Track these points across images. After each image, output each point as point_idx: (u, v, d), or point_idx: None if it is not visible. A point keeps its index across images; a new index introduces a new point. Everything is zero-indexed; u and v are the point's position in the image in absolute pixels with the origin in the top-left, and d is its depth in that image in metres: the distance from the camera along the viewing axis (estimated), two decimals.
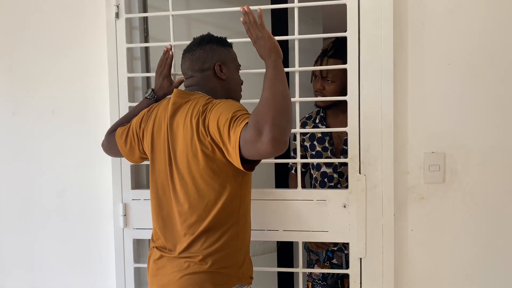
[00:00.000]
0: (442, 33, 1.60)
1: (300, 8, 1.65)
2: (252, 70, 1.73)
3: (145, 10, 1.89)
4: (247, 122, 1.14)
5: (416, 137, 1.63)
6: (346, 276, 2.02)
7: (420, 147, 1.63)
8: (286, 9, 2.19)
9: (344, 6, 1.61)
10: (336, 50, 1.93)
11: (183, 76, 1.49)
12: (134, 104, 1.80)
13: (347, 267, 1.96)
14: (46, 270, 2.01)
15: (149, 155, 1.44)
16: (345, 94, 1.94)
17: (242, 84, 1.52)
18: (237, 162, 1.19)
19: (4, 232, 2.04)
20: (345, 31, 1.63)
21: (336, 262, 2.05)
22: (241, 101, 1.76)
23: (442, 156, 1.63)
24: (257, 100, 1.76)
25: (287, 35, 2.21)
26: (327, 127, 2.02)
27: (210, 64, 1.40)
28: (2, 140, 2.01)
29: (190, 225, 1.32)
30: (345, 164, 1.95)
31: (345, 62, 1.87)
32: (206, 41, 1.42)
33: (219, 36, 1.47)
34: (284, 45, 2.26)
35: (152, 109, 1.49)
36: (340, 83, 1.92)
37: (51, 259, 2.00)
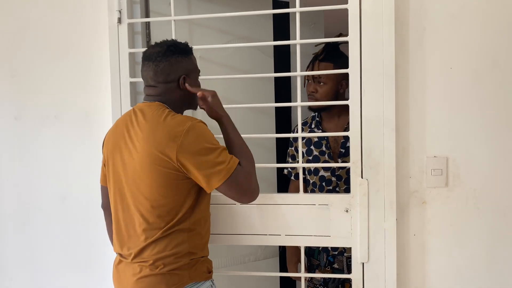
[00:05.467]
0: (444, 37, 1.60)
1: (301, 13, 1.65)
2: (253, 75, 1.74)
3: (147, 15, 1.90)
4: (238, 165, 1.38)
5: (418, 141, 1.63)
6: (347, 280, 2.02)
7: (422, 151, 1.63)
8: (287, 13, 2.20)
9: (345, 11, 1.61)
10: (327, 53, 1.97)
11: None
12: None
13: (348, 271, 1.96)
14: (48, 275, 2.01)
15: (106, 164, 1.49)
16: (337, 96, 1.97)
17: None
18: (209, 189, 1.38)
19: (7, 237, 2.04)
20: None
21: (337, 267, 2.04)
22: (241, 103, 1.77)
23: (445, 160, 1.62)
24: (259, 104, 1.77)
25: (289, 39, 2.21)
26: (323, 131, 2.03)
27: (174, 76, 1.44)
28: (4, 145, 2.01)
29: (139, 234, 1.39)
30: (343, 167, 1.96)
31: (336, 65, 1.89)
32: (171, 53, 1.43)
33: (182, 43, 1.48)
34: (286, 49, 2.28)
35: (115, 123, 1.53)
36: (332, 85, 1.96)
37: (53, 264, 1.99)
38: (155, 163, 1.34)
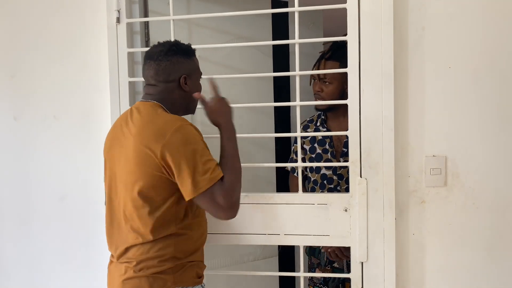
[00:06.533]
0: (443, 37, 1.60)
1: (300, 12, 1.65)
2: (252, 75, 1.74)
3: (146, 15, 1.90)
4: (220, 180, 1.32)
5: (417, 140, 1.63)
6: (348, 280, 2.01)
7: (421, 151, 1.63)
8: (286, 13, 2.20)
9: (344, 10, 1.61)
10: (333, 52, 1.97)
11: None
12: None
13: (348, 271, 1.96)
14: (48, 275, 2.01)
15: (104, 163, 1.49)
16: (343, 95, 1.97)
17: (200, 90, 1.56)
18: (186, 197, 1.33)
19: (6, 238, 2.04)
20: (346, 35, 1.63)
21: (337, 266, 2.04)
22: (240, 103, 1.77)
23: (443, 159, 1.62)
24: (258, 104, 1.75)
25: (288, 39, 2.21)
26: (328, 129, 2.04)
27: (175, 76, 1.44)
28: (3, 145, 2.01)
29: (126, 232, 1.39)
30: (345, 167, 1.96)
31: (342, 64, 1.89)
32: (173, 53, 1.43)
33: (185, 44, 1.49)
34: (285, 49, 2.28)
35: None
36: (337, 84, 1.96)
37: (52, 264, 2.00)
38: (141, 162, 1.33)
